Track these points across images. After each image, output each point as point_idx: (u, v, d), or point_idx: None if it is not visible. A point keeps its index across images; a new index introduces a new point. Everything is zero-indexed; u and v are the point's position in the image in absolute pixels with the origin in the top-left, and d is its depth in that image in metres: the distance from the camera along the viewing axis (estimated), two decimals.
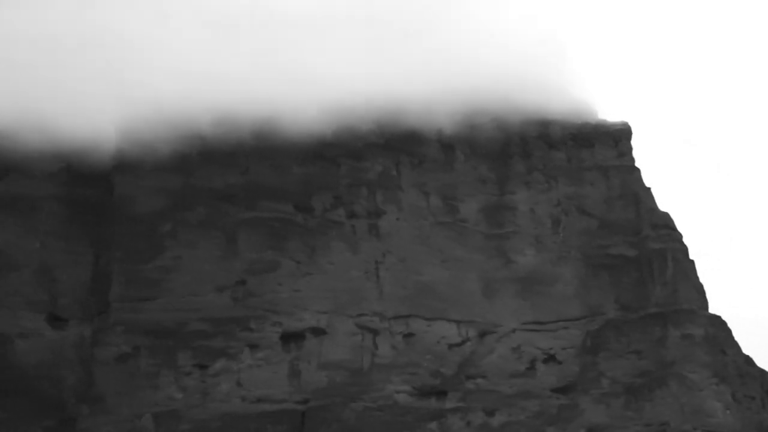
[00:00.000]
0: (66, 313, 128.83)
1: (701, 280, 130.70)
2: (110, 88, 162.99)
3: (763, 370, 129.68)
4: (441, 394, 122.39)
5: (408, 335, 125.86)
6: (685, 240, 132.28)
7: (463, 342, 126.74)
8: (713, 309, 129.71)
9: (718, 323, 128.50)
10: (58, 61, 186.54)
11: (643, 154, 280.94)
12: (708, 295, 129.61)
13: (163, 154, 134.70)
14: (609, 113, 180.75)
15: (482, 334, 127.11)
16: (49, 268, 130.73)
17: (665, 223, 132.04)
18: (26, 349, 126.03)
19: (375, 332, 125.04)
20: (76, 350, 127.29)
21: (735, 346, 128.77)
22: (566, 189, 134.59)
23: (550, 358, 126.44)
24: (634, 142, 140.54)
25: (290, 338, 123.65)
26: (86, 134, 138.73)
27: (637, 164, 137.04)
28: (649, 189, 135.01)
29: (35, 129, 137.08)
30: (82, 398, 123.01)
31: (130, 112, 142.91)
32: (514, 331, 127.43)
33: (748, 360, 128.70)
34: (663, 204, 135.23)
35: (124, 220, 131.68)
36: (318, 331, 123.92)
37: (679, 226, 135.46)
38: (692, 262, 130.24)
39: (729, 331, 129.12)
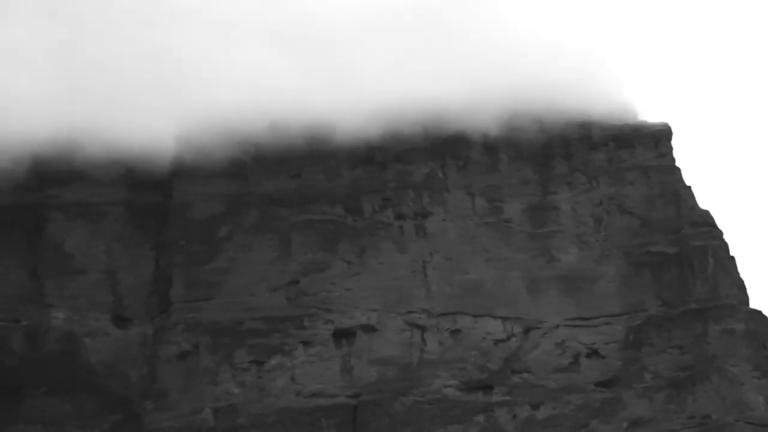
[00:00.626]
0: (130, 313, 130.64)
1: (742, 276, 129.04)
2: (169, 100, 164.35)
3: None
4: (487, 388, 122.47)
5: (455, 332, 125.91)
6: (726, 237, 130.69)
7: (509, 338, 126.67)
8: (754, 304, 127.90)
9: (759, 318, 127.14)
10: (121, 77, 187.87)
11: (685, 153, 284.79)
12: (749, 291, 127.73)
13: (219, 160, 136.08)
14: (649, 114, 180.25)
15: (527, 330, 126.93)
16: (114, 271, 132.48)
17: (705, 221, 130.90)
18: (93, 348, 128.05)
19: (423, 329, 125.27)
20: (140, 348, 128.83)
21: None
22: (607, 189, 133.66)
23: (593, 353, 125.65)
24: (675, 141, 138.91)
25: (342, 335, 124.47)
26: (147, 143, 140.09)
27: (677, 164, 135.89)
28: (689, 188, 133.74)
29: (100, 140, 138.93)
30: (145, 394, 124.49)
31: (187, 121, 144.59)
32: (557, 327, 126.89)
33: None
34: (703, 202, 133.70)
35: (182, 225, 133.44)
36: (368, 329, 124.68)
37: (720, 224, 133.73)
38: (732, 258, 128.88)
39: None
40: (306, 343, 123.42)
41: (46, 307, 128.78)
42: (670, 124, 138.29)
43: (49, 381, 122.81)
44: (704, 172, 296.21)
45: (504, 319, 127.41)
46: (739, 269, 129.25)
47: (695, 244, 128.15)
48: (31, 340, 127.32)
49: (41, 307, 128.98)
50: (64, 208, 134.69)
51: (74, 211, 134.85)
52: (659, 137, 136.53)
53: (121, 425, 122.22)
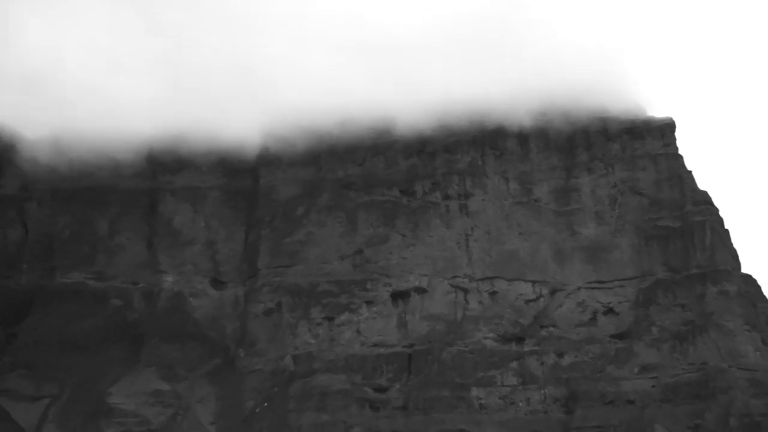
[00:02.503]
0: (225, 277, 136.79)
1: (735, 245, 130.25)
2: (256, 100, 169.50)
3: None
4: (520, 339, 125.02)
5: (492, 293, 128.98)
6: (722, 213, 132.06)
7: (538, 298, 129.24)
8: (745, 269, 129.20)
9: (750, 281, 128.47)
10: (216, 82, 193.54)
11: (688, 142, 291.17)
12: (741, 258, 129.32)
13: (298, 151, 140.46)
14: (657, 110, 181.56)
15: (553, 292, 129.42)
16: (212, 243, 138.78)
17: (704, 200, 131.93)
18: (197, 305, 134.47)
19: (466, 291, 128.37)
20: (233, 306, 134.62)
21: (764, 299, 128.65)
22: (621, 174, 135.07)
23: (609, 311, 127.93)
24: (679, 133, 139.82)
25: (398, 296, 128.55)
26: (238, 137, 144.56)
27: (680, 152, 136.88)
28: (690, 172, 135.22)
29: (200, 134, 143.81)
30: (239, 343, 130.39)
31: (272, 118, 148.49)
32: (579, 289, 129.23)
33: None
34: (703, 184, 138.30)
35: (268, 204, 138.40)
36: (420, 290, 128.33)
37: (717, 202, 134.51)
38: (727, 231, 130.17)
39: (759, 288, 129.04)
40: (369, 303, 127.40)
41: (159, 273, 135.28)
42: (674, 119, 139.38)
43: (162, 332, 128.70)
44: (704, 159, 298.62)
45: (534, 282, 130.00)
46: (733, 240, 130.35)
47: (696, 219, 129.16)
48: (148, 299, 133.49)
49: (155, 272, 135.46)
50: (174, 192, 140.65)
51: (181, 194, 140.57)
52: (665, 130, 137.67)
53: (219, 368, 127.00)
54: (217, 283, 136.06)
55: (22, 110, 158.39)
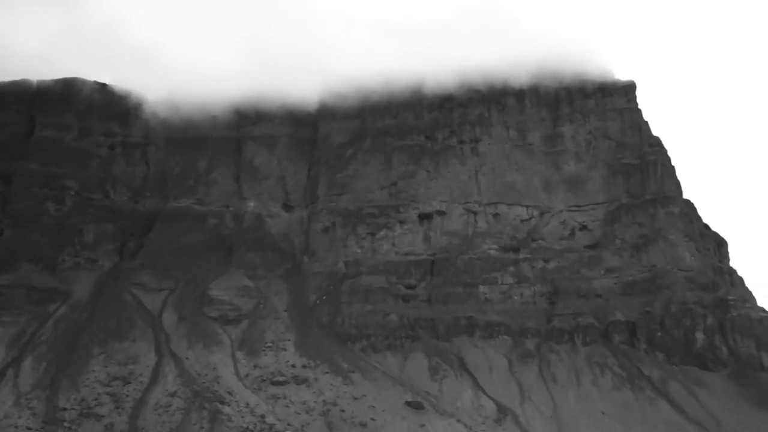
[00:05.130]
0: (293, 203, 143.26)
1: (679, 177, 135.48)
2: (316, 68, 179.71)
3: (715, 232, 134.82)
4: (516, 249, 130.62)
5: (496, 215, 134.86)
6: (671, 153, 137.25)
7: (530, 218, 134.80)
8: (686, 196, 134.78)
9: (689, 205, 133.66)
10: (285, 54, 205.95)
11: (646, 97, 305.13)
12: (683, 187, 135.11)
13: (348, 106, 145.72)
14: (622, 73, 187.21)
15: (542, 214, 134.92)
16: (283, 177, 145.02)
17: (657, 143, 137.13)
18: (272, 224, 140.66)
19: (475, 213, 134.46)
20: (299, 225, 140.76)
21: (699, 218, 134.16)
22: (596, 123, 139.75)
23: (584, 228, 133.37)
24: (639, 92, 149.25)
25: (424, 217, 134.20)
26: (302, 96, 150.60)
27: (639, 107, 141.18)
28: (647, 122, 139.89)
29: (273, 94, 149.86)
30: (303, 252, 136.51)
31: (327, 81, 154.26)
32: (561, 211, 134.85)
33: (706, 226, 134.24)
34: (656, 131, 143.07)
35: (324, 148, 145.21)
36: (441, 213, 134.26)
37: (668, 146, 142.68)
38: (673, 167, 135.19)
39: (695, 209, 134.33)
40: (401, 222, 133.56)
41: (244, 199, 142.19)
42: (635, 81, 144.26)
43: (247, 244, 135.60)
44: (658, 111, 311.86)
45: (527, 206, 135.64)
46: (678, 173, 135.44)
47: (650, 158, 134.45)
48: (236, 219, 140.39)
49: (241, 199, 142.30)
50: (254, 139, 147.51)
51: (260, 141, 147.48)
52: (628, 89, 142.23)
53: (289, 271, 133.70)
54: (287, 207, 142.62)
55: (144, 78, 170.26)
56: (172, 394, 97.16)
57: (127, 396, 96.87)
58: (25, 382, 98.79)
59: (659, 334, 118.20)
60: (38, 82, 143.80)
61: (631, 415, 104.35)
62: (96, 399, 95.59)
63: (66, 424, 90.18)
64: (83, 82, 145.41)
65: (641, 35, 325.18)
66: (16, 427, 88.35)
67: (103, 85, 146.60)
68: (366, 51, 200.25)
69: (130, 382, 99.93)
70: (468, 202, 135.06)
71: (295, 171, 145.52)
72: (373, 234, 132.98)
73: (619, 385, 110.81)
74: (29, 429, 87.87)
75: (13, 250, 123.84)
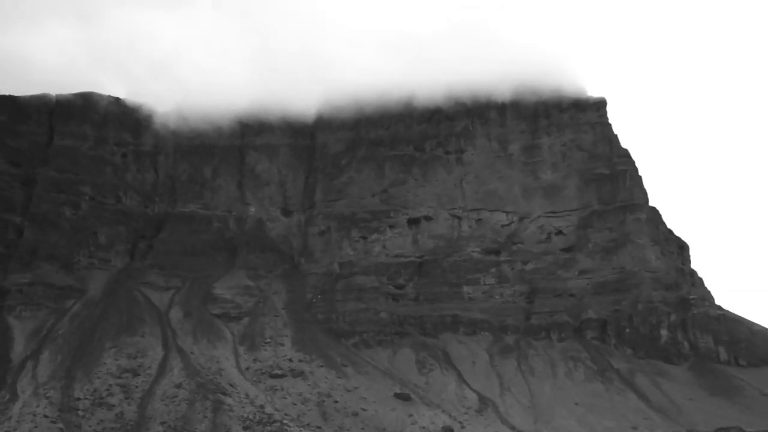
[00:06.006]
0: (292, 207, 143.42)
1: (646, 186, 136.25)
2: (315, 80, 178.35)
3: (678, 237, 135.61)
4: (497, 252, 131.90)
5: (479, 220, 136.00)
6: (637, 164, 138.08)
7: (510, 223, 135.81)
8: (652, 203, 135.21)
9: (655, 212, 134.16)
10: (287, 66, 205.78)
11: (616, 113, 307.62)
12: (649, 195, 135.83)
13: (344, 118, 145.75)
14: (594, 91, 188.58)
15: (521, 219, 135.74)
16: (283, 183, 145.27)
17: (626, 154, 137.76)
18: (272, 228, 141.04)
19: (460, 218, 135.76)
20: (298, 228, 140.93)
21: (663, 223, 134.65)
22: (570, 135, 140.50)
23: (559, 232, 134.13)
24: (609, 108, 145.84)
25: (413, 222, 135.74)
26: (301, 107, 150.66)
27: (609, 121, 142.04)
28: (617, 135, 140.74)
29: (275, 106, 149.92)
30: (301, 254, 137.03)
31: (325, 94, 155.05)
32: (539, 216, 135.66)
33: (670, 231, 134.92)
34: (625, 144, 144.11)
35: (322, 156, 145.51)
36: (428, 218, 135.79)
37: (636, 157, 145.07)
38: (641, 176, 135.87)
39: (660, 216, 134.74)
40: (392, 226, 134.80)
41: (246, 204, 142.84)
42: (606, 98, 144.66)
43: (249, 246, 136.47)
44: (627, 125, 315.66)
45: (507, 212, 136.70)
46: (644, 183, 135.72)
47: (620, 168, 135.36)
48: (239, 222, 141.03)
49: (243, 204, 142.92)
50: (256, 148, 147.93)
51: (261, 149, 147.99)
52: (600, 105, 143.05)
53: (288, 271, 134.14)
54: (286, 212, 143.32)
55: (155, 90, 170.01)
56: (178, 386, 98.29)
57: (137, 387, 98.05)
58: (43, 373, 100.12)
59: (627, 330, 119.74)
60: (57, 95, 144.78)
61: (602, 404, 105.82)
62: (108, 389, 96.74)
63: (80, 413, 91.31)
64: (100, 95, 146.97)
65: (611, 55, 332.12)
66: (34, 414, 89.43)
67: (117, 99, 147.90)
68: (361, 66, 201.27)
69: (139, 374, 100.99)
70: (453, 208, 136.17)
71: (294, 178, 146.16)
72: (365, 237, 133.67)
73: (591, 377, 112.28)
74: (46, 417, 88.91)
75: (33, 251, 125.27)
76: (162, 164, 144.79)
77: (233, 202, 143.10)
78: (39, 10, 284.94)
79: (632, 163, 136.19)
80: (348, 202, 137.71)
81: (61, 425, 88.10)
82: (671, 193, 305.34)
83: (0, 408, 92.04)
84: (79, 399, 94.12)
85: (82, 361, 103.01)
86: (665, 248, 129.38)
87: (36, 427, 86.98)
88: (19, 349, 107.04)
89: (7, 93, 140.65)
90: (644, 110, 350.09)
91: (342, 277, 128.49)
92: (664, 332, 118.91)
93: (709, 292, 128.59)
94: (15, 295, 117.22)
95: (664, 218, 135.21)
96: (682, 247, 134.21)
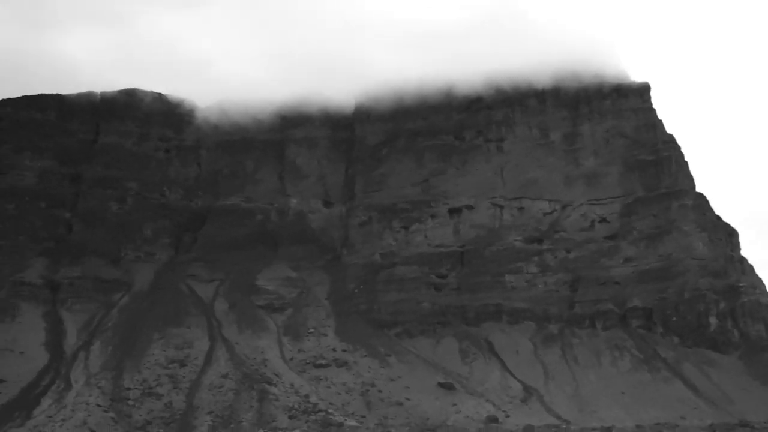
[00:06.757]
0: (332, 199, 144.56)
1: (692, 172, 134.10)
2: (353, 75, 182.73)
3: (726, 223, 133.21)
4: (540, 241, 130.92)
5: (520, 208, 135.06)
6: (685, 150, 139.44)
7: (552, 212, 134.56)
8: (699, 189, 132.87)
9: (702, 198, 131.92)
10: (321, 64, 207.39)
11: (660, 97, 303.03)
12: (696, 181, 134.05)
13: (382, 109, 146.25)
14: (638, 75, 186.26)
15: (563, 207, 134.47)
16: (323, 176, 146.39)
17: (671, 140, 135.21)
18: (313, 219, 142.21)
19: (501, 207, 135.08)
20: (338, 219, 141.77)
21: (711, 210, 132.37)
22: (612, 122, 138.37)
23: (603, 220, 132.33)
24: (654, 92, 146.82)
25: (454, 211, 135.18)
26: (340, 101, 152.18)
27: (654, 106, 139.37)
28: (661, 120, 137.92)
29: (314, 99, 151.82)
30: (342, 245, 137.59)
31: (364, 86, 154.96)
32: (582, 204, 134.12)
33: (718, 218, 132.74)
34: (669, 129, 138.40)
35: (361, 148, 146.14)
36: (469, 207, 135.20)
37: (683, 143, 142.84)
38: (687, 162, 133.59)
39: (707, 202, 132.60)
40: (433, 216, 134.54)
41: (287, 197, 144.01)
42: (649, 82, 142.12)
43: (291, 237, 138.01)
44: (672, 110, 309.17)
45: (549, 200, 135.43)
46: (690, 168, 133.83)
47: (664, 154, 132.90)
48: (280, 215, 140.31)
49: (284, 196, 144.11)
50: (296, 141, 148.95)
51: (301, 142, 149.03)
52: (643, 90, 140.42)
53: (330, 262, 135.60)
54: (327, 204, 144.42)
55: (196, 87, 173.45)
56: (224, 376, 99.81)
57: (184, 377, 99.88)
58: (95, 363, 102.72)
59: (674, 318, 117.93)
60: (101, 93, 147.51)
61: (648, 394, 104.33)
62: (156, 380, 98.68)
63: (130, 402, 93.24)
64: (143, 92, 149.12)
65: (654, 39, 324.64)
66: (87, 404, 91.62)
67: (160, 95, 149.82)
68: (399, 58, 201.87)
69: (186, 365, 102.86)
70: (494, 197, 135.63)
71: (334, 170, 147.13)
72: (406, 227, 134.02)
73: (637, 366, 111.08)
74: (99, 406, 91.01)
75: (81, 246, 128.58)
76: (204, 158, 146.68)
77: (274, 194, 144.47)
78: (74, 14, 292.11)
79: (678, 148, 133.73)
80: (388, 192, 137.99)
81: (112, 414, 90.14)
82: (721, 180, 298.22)
83: (56, 397, 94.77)
84: (129, 389, 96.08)
85: (131, 352, 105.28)
86: (713, 235, 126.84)
87: (89, 415, 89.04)
88: (71, 340, 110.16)
89: (54, 92, 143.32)
90: (692, 94, 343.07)
91: (383, 267, 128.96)
92: (713, 320, 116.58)
93: (759, 279, 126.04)
94: (66, 288, 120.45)
95: (712, 204, 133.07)
96: (731, 234, 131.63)
